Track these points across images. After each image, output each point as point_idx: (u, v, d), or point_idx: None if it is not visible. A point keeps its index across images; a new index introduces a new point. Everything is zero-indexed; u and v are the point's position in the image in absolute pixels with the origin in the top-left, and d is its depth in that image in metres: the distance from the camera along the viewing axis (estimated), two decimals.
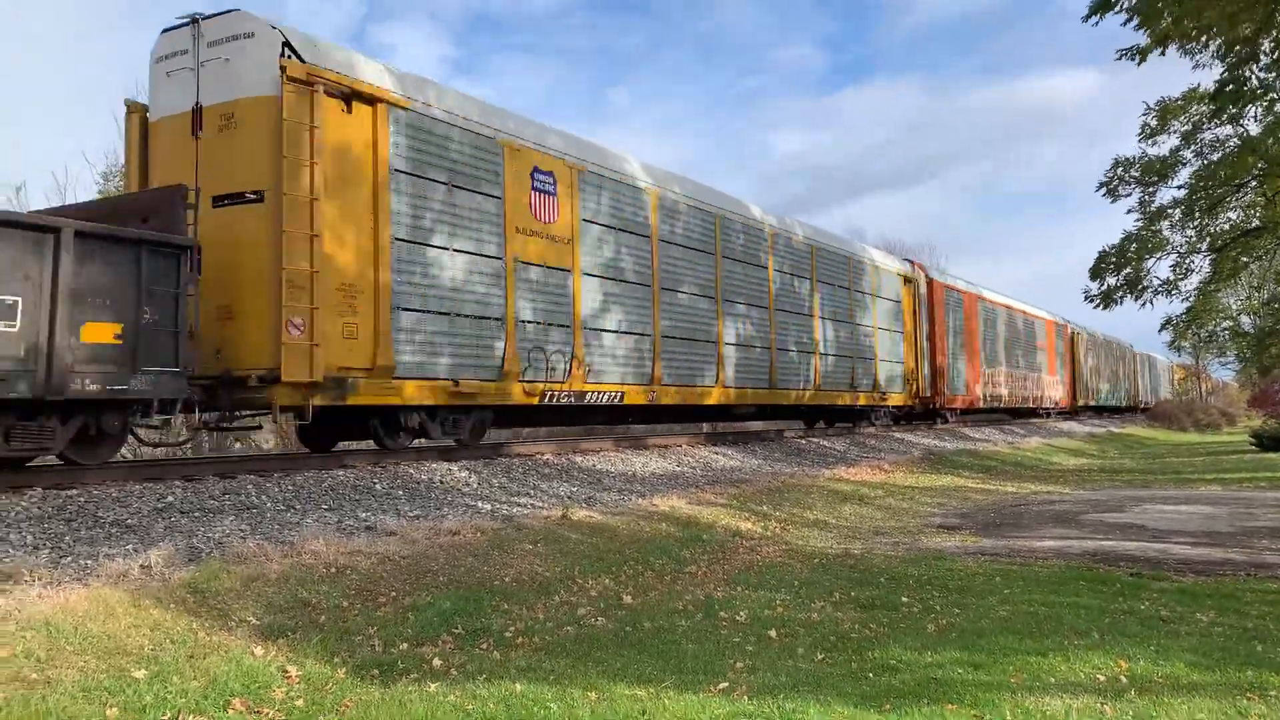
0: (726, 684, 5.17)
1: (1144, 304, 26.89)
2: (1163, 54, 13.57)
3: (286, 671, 5.07)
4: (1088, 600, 7.24)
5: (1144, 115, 26.47)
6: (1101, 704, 4.80)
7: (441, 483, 10.42)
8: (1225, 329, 46.22)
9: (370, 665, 5.33)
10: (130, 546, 6.68)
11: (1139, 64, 14.41)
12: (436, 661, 5.50)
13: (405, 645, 5.73)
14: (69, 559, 6.24)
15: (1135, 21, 12.09)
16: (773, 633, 6.34)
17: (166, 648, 5.10)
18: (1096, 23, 12.78)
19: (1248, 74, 15.90)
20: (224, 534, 7.32)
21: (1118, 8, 12.24)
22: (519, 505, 9.93)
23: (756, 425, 22.51)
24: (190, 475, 9.07)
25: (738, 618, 6.72)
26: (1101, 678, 5.28)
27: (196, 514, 7.87)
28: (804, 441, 19.88)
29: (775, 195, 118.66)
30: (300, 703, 4.73)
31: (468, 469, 11.25)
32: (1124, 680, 5.23)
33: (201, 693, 4.65)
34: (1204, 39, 13.32)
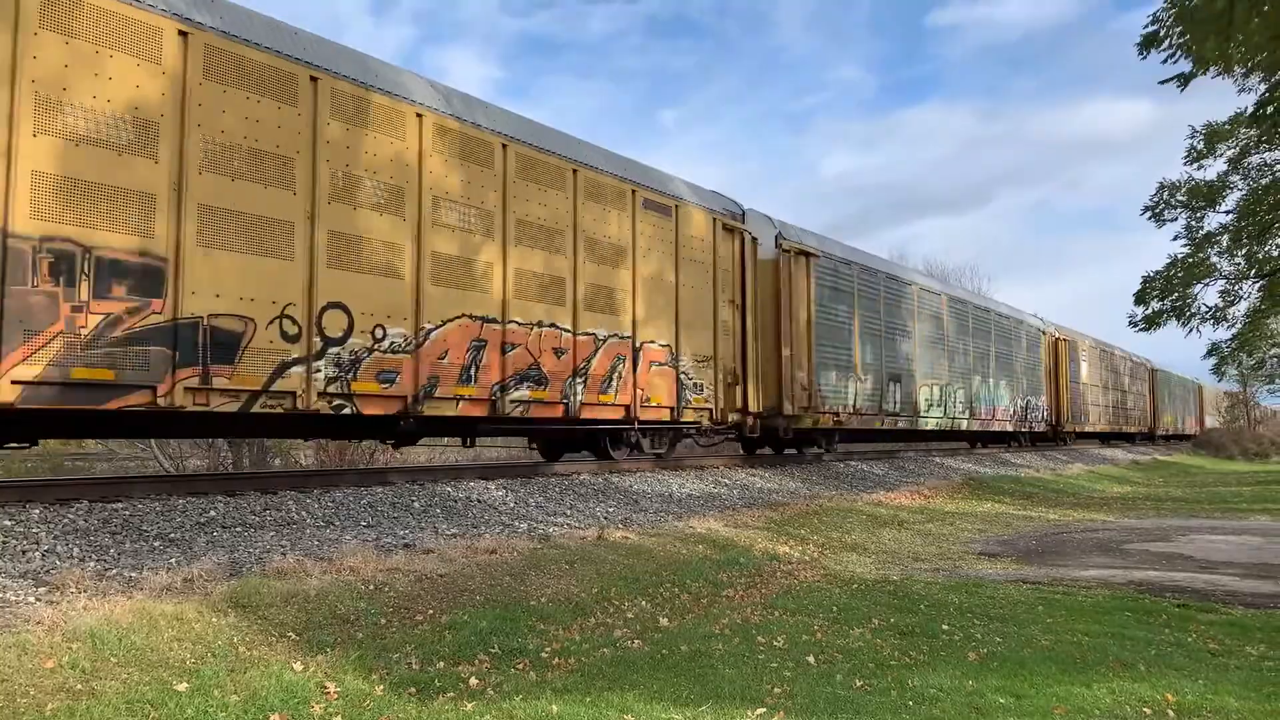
0: (764, 709, 5.12)
1: (1191, 330, 26.50)
2: (1204, 73, 13.47)
3: (325, 687, 5.09)
4: (1133, 631, 7.10)
5: (1190, 139, 26.16)
6: None
7: (479, 501, 10.46)
8: (1275, 356, 45.36)
9: (407, 683, 5.34)
10: (173, 560, 6.77)
11: (1181, 89, 14.31)
12: (473, 680, 5.50)
13: (442, 663, 5.74)
14: (114, 571, 6.33)
15: (1179, 54, 11.99)
16: (811, 658, 6.27)
17: (208, 661, 5.15)
18: (1145, 57, 12.65)
19: None
20: (264, 549, 7.40)
21: (1164, 44, 12.12)
22: (555, 525, 9.93)
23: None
24: (232, 490, 9.18)
25: (775, 642, 6.67)
26: (1148, 710, 5.17)
27: (238, 529, 7.96)
28: (841, 465, 19.74)
29: (823, 216, 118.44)
30: (338, 719, 4.75)
31: (505, 488, 11.29)
32: (1171, 714, 5.11)
33: (241, 707, 4.68)
34: (1249, 62, 13.18)
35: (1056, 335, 33.98)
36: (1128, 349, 45.27)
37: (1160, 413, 50.13)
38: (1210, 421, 68.17)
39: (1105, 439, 42.43)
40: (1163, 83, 15.05)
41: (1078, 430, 35.78)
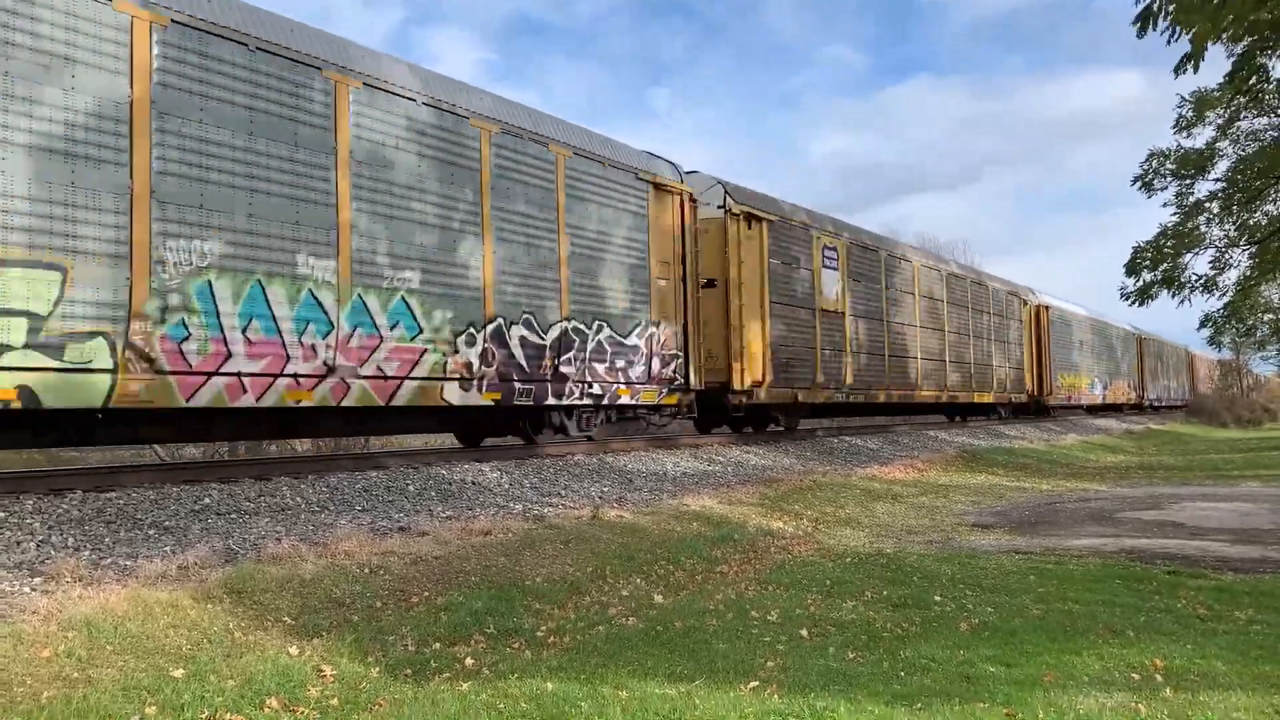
0: (757, 683, 5.16)
1: (1182, 301, 26.50)
2: (1201, 61, 13.61)
3: (321, 670, 5.13)
4: (1123, 598, 7.16)
5: (1179, 107, 26.11)
6: (1136, 702, 4.75)
7: (474, 483, 10.49)
8: (1267, 322, 45.47)
9: (403, 664, 5.38)
10: (168, 548, 6.79)
11: (1194, 71, 14.42)
12: (469, 661, 5.54)
13: (438, 644, 5.78)
14: (109, 560, 6.36)
15: (1176, 32, 11.92)
16: (804, 631, 6.32)
17: (204, 647, 5.18)
18: (1143, 35, 12.53)
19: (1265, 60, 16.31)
20: (259, 535, 7.43)
21: (1161, 15, 12.03)
22: (550, 505, 9.97)
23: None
24: (226, 477, 9.20)
25: (769, 617, 6.72)
26: (1136, 676, 5.22)
27: (232, 515, 7.98)
28: (836, 440, 19.80)
29: (814, 196, 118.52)
30: (335, 701, 4.78)
31: (499, 469, 11.32)
32: (1159, 679, 5.17)
33: (238, 691, 4.71)
34: (1237, 29, 13.21)
35: (728, 207, 16.48)
36: (986, 271, 30.40)
37: (1052, 372, 33.25)
38: (1168, 385, 54.52)
39: (935, 413, 28.21)
40: (1177, 72, 15.13)
41: (809, 399, 18.68)
